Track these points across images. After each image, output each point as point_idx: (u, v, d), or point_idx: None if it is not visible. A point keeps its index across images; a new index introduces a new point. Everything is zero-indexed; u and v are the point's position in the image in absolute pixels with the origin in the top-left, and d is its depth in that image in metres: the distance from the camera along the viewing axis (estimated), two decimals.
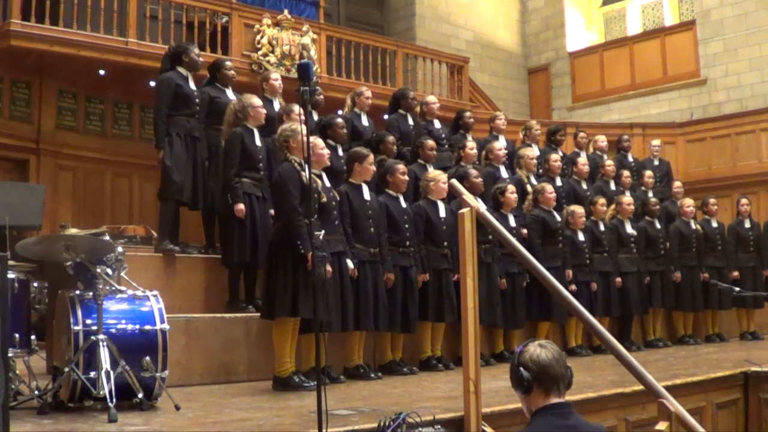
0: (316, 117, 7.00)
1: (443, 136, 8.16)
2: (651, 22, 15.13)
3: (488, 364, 6.57)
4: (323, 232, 5.12)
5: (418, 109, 8.25)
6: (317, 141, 5.46)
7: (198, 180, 6.44)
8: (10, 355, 3.87)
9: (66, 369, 4.02)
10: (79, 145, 10.25)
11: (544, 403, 2.74)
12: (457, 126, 8.45)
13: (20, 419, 3.76)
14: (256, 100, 6.10)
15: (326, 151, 5.49)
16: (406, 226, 6.15)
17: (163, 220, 6.49)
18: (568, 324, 7.60)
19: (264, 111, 6.14)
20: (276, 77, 7.15)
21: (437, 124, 8.25)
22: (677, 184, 9.90)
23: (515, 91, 15.69)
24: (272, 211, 5.95)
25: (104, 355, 3.99)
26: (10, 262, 4.04)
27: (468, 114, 8.61)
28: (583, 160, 8.83)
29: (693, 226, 8.92)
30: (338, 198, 5.58)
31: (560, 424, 2.69)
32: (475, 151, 7.62)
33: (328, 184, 5.53)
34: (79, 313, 4.14)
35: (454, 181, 4.59)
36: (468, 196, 4.06)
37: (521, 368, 2.76)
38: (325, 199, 5.28)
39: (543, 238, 7.40)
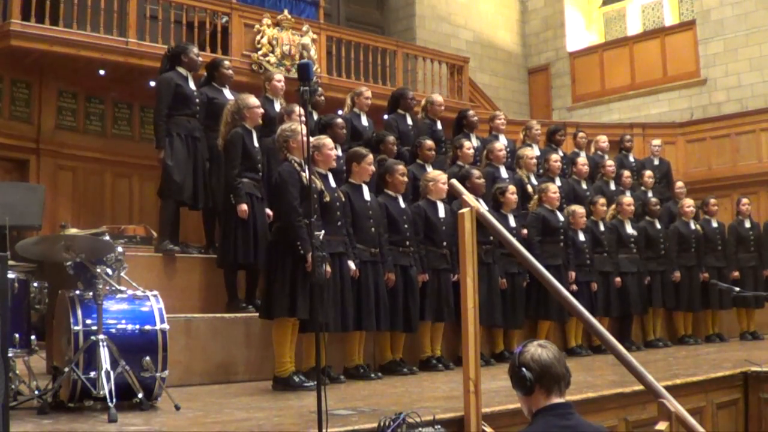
0: (315, 117, 7.00)
1: (443, 138, 8.14)
2: (651, 22, 15.13)
3: (488, 364, 6.57)
4: (323, 232, 5.12)
5: (423, 103, 8.26)
6: (326, 141, 5.47)
7: (198, 180, 6.45)
8: (10, 355, 3.88)
9: (66, 369, 4.02)
10: (79, 145, 10.25)
11: (545, 404, 2.74)
12: (460, 125, 8.43)
13: (20, 419, 3.76)
14: (253, 101, 6.09)
15: (334, 152, 5.50)
16: (406, 226, 6.16)
17: (163, 220, 6.50)
18: (568, 324, 7.60)
19: (261, 111, 6.13)
20: (279, 78, 7.14)
21: (439, 125, 8.24)
22: (680, 184, 9.91)
23: (515, 91, 15.69)
24: (269, 211, 5.97)
25: (104, 355, 3.99)
26: (10, 262, 4.04)
27: (471, 113, 8.58)
28: (582, 160, 8.83)
29: (692, 226, 8.92)
30: (343, 199, 5.57)
31: (561, 424, 2.69)
32: (472, 151, 7.62)
33: (333, 184, 5.53)
34: (79, 313, 4.14)
35: (454, 181, 4.58)
36: (468, 196, 4.05)
37: (523, 368, 2.75)
38: (328, 199, 5.27)
39: (543, 236, 7.39)
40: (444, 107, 8.47)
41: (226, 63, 6.99)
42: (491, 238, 6.57)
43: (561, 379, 2.75)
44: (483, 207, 4.65)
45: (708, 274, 8.75)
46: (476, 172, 6.91)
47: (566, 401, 2.78)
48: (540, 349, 2.77)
